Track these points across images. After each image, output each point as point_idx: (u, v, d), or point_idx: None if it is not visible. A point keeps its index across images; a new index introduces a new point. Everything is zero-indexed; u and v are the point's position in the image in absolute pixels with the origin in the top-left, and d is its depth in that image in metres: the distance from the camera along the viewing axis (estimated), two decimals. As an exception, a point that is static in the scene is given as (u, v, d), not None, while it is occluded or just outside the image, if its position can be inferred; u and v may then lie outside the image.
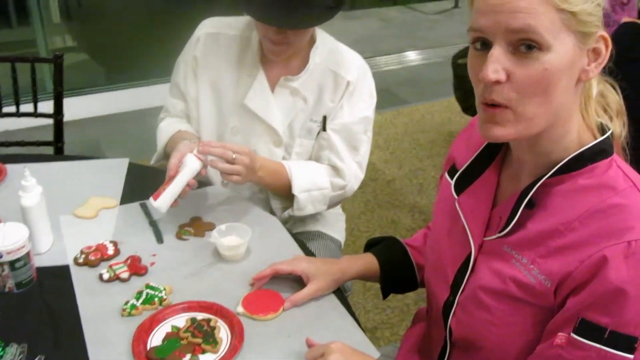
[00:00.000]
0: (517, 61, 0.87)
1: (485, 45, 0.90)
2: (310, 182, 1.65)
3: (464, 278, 1.07)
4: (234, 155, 1.44)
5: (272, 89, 1.67)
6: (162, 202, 1.41)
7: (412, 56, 5.38)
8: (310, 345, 1.14)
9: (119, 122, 3.98)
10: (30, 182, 1.36)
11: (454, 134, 4.02)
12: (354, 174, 1.71)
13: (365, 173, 1.77)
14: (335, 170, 1.69)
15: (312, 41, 1.67)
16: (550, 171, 0.95)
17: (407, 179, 3.47)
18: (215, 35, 1.70)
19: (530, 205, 0.96)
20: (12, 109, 2.16)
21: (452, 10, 6.81)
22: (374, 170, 3.49)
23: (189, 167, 1.44)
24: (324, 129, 1.68)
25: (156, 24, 4.41)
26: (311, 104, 1.67)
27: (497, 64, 0.87)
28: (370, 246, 1.43)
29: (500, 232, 1.00)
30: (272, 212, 1.70)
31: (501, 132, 0.91)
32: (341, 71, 1.66)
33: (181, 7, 4.41)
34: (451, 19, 6.54)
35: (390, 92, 4.59)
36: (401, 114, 4.25)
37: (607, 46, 0.90)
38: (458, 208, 1.11)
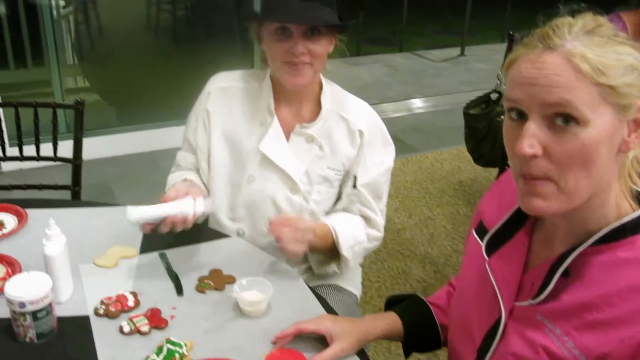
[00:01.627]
0: (553, 135, 0.86)
1: (520, 115, 0.90)
2: (352, 237, 1.67)
3: (493, 343, 1.06)
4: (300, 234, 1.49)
5: (287, 137, 1.69)
6: (136, 209, 1.41)
7: (419, 103, 5.43)
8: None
9: (130, 164, 4.00)
10: (54, 231, 1.36)
11: (464, 183, 4.05)
12: (382, 221, 1.77)
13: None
14: (369, 221, 1.74)
15: (320, 87, 1.70)
16: (586, 240, 0.93)
17: (418, 229, 3.46)
18: (226, 89, 1.73)
19: (566, 274, 0.95)
20: (31, 148, 2.18)
21: (458, 57, 6.93)
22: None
23: (187, 202, 1.45)
24: (354, 186, 1.70)
25: (168, 67, 4.47)
26: (327, 151, 1.69)
27: (533, 139, 0.87)
28: (391, 303, 1.42)
29: (533, 299, 0.98)
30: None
31: (543, 205, 0.90)
32: (351, 118, 1.69)
33: (193, 52, 4.49)
34: (457, 67, 6.64)
35: (398, 139, 4.57)
36: (410, 162, 4.27)
37: None
38: (488, 270, 1.09)
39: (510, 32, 3.19)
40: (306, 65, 1.58)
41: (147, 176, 3.82)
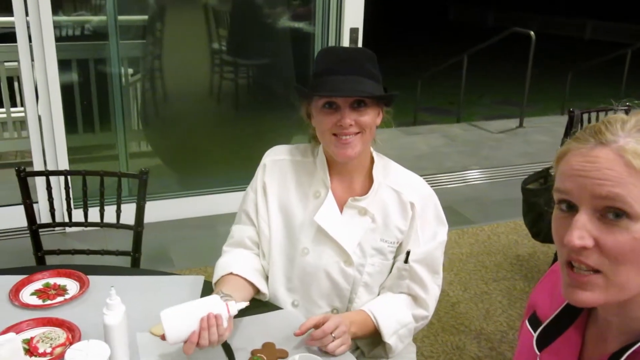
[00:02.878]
0: (605, 228, 0.86)
1: (570, 207, 0.89)
2: (395, 322, 1.67)
3: None
4: (333, 335, 1.51)
5: (340, 210, 1.71)
6: (168, 314, 1.42)
7: (476, 175, 5.39)
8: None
9: (188, 228, 4.09)
10: (115, 301, 1.40)
11: (521, 258, 3.97)
12: (436, 297, 1.77)
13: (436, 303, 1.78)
14: (416, 300, 1.73)
15: (372, 160, 1.73)
16: None
17: (473, 303, 3.39)
18: (281, 162, 1.79)
19: None
20: (95, 215, 2.26)
21: (516, 129, 6.88)
22: (438, 291, 3.44)
23: (217, 301, 1.46)
24: (405, 261, 1.69)
25: (229, 135, 4.60)
26: (379, 223, 1.71)
27: (583, 231, 0.86)
28: None
29: None
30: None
31: (589, 298, 0.89)
32: (403, 190, 1.72)
33: (253, 120, 4.62)
34: (515, 138, 6.58)
35: (453, 211, 4.58)
36: (466, 234, 4.22)
37: None
38: None
39: (571, 109, 3.18)
40: (355, 137, 1.62)
41: (203, 240, 3.89)
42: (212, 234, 3.93)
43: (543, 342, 1.07)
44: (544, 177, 3.30)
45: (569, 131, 3.18)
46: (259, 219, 1.76)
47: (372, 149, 1.76)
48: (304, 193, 1.75)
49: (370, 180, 1.73)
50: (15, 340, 1.21)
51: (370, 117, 1.63)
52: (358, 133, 1.62)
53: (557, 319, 1.06)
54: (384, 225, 1.71)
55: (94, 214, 2.26)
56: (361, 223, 1.71)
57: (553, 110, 7.89)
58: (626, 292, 0.88)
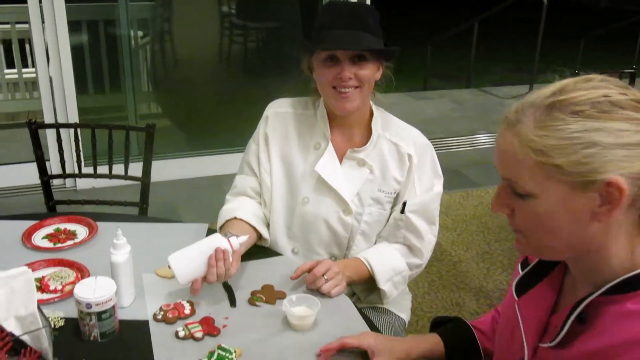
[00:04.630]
0: (516, 201, 0.95)
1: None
2: (390, 270, 1.73)
3: None
4: (325, 277, 1.57)
5: (340, 161, 1.77)
6: (176, 258, 1.49)
7: (484, 139, 5.41)
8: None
9: (196, 187, 4.16)
10: (121, 241, 1.47)
11: (523, 220, 4.01)
12: (431, 247, 1.82)
13: (432, 253, 1.83)
14: (411, 249, 1.79)
15: (371, 113, 1.78)
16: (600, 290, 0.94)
17: (474, 262, 3.46)
18: (282, 114, 1.84)
19: (583, 321, 0.95)
20: (104, 167, 2.33)
21: (526, 94, 6.86)
22: (440, 250, 3.51)
23: (219, 238, 1.53)
24: (402, 211, 1.75)
25: (237, 97, 4.64)
26: (377, 174, 1.76)
27: (498, 199, 0.98)
28: (436, 325, 1.46)
29: (550, 342, 1.00)
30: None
31: (520, 250, 1.01)
32: (401, 143, 1.77)
33: (262, 82, 4.65)
34: (525, 104, 6.58)
35: (459, 174, 4.62)
36: (470, 196, 4.27)
37: (621, 191, 0.87)
38: (517, 310, 1.11)
39: (577, 70, 3.19)
40: (355, 91, 1.67)
41: (211, 198, 3.95)
42: (219, 193, 3.96)
43: (523, 289, 1.11)
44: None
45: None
46: (260, 169, 1.82)
47: (371, 103, 1.80)
48: (304, 144, 1.80)
49: (369, 133, 1.78)
50: (28, 273, 1.29)
51: (370, 71, 1.68)
52: (357, 87, 1.67)
53: (535, 269, 1.11)
54: (381, 176, 1.76)
55: (103, 171, 2.33)
56: (360, 174, 1.76)
57: (564, 77, 7.82)
58: (545, 254, 0.99)
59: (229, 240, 1.53)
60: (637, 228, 0.93)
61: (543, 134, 0.89)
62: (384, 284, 1.72)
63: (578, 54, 7.94)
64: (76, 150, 2.28)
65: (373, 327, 1.50)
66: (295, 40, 4.73)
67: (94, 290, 1.35)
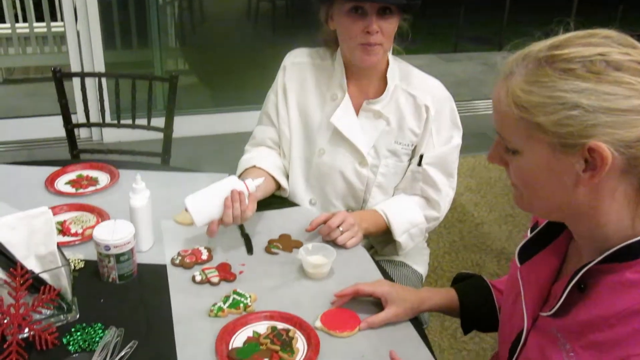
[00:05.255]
0: (508, 155, 0.94)
1: None
2: (406, 222, 1.73)
3: (516, 349, 1.06)
4: (341, 228, 1.57)
5: (356, 112, 1.75)
6: (192, 200, 1.49)
7: (513, 103, 5.33)
8: (393, 359, 1.17)
9: (220, 143, 4.18)
10: (140, 185, 1.49)
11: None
12: (449, 200, 1.80)
13: (453, 214, 1.81)
14: (429, 202, 1.77)
15: (387, 64, 1.74)
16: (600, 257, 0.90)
17: (497, 224, 3.44)
18: (299, 64, 1.82)
19: (583, 289, 0.92)
20: (128, 121, 2.35)
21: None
22: (462, 211, 3.49)
23: (235, 180, 1.54)
24: (419, 164, 1.74)
25: (264, 55, 4.62)
26: (394, 125, 1.74)
27: (493, 151, 0.97)
28: (458, 280, 1.45)
29: (550, 310, 0.97)
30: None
31: (517, 204, 0.99)
32: (418, 94, 1.74)
33: (289, 41, 4.61)
34: (557, 69, 6.44)
35: (486, 137, 4.56)
36: (496, 159, 4.22)
37: (603, 158, 0.83)
38: (519, 277, 1.08)
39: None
40: (378, 46, 1.63)
41: (234, 155, 3.95)
42: (242, 150, 3.99)
43: (525, 256, 1.08)
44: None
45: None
46: (279, 120, 1.82)
47: (389, 54, 1.77)
48: (321, 95, 1.79)
49: (385, 83, 1.74)
50: (48, 213, 1.31)
51: (394, 24, 1.64)
52: (380, 44, 1.63)
53: (540, 235, 1.08)
54: (398, 128, 1.74)
55: (127, 122, 2.35)
56: (376, 125, 1.75)
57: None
58: (536, 211, 0.99)
59: (244, 183, 1.53)
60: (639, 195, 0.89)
61: (529, 89, 0.86)
62: (400, 236, 1.72)
63: (616, 15, 7.70)
64: (100, 100, 2.29)
65: (389, 278, 1.51)
66: None
67: (112, 233, 1.36)
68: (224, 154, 4.02)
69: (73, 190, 1.76)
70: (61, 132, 2.36)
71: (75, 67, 3.93)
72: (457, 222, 3.39)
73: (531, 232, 1.11)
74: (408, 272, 1.82)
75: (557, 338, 0.95)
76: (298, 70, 1.81)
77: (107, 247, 1.35)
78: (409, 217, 1.75)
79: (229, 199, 1.50)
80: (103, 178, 1.85)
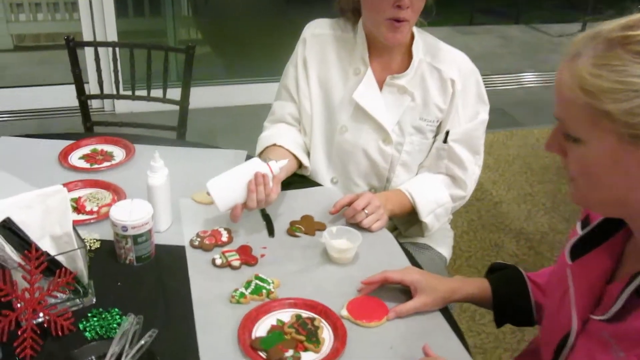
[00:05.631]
0: (568, 144, 0.87)
1: None
2: (432, 202, 1.66)
3: (562, 352, 0.99)
4: (366, 211, 1.51)
5: (380, 88, 1.68)
6: (214, 184, 1.43)
7: (531, 77, 5.22)
8: (426, 353, 1.12)
9: (235, 114, 4.11)
10: (159, 163, 1.42)
11: (569, 162, 3.87)
12: (475, 178, 1.74)
13: (472, 193, 1.75)
14: (454, 180, 1.71)
15: (412, 37, 1.67)
16: None
17: (515, 204, 3.37)
18: (320, 36, 1.73)
19: None
20: (143, 92, 2.28)
21: (577, 33, 6.55)
22: (480, 190, 3.42)
23: (257, 162, 1.47)
24: (445, 141, 1.67)
25: (278, 26, 4.53)
26: (419, 101, 1.67)
27: (551, 139, 0.90)
28: (492, 271, 1.38)
29: (603, 314, 0.91)
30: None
31: (574, 200, 0.92)
32: (443, 67, 1.66)
33: (304, 12, 4.51)
34: (576, 43, 6.30)
35: (504, 113, 4.48)
36: (515, 136, 4.14)
37: None
38: (569, 274, 1.01)
39: None
40: (406, 23, 1.56)
41: (249, 127, 3.88)
42: (257, 122, 3.91)
43: (577, 253, 1.01)
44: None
45: None
46: (299, 95, 1.74)
47: (415, 28, 1.69)
48: (343, 69, 1.71)
49: (409, 57, 1.67)
50: (63, 191, 1.25)
51: (424, 0, 1.57)
52: (407, 21, 1.55)
53: (594, 232, 1.01)
54: (423, 104, 1.67)
55: (142, 94, 2.27)
56: (400, 101, 1.67)
57: (617, 16, 7.44)
58: (593, 207, 0.92)
59: (268, 165, 1.47)
60: None
61: (598, 72, 0.78)
62: (426, 217, 1.66)
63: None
64: (114, 70, 2.22)
65: (414, 262, 1.45)
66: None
67: (130, 213, 1.31)
68: (238, 126, 3.96)
69: (88, 166, 1.71)
70: (73, 102, 2.29)
71: (87, 36, 3.85)
72: (475, 200, 3.33)
73: (582, 227, 1.04)
74: (432, 255, 1.76)
75: (609, 344, 0.89)
76: (319, 42, 1.73)
77: (125, 228, 1.30)
78: (434, 197, 1.68)
79: (252, 182, 1.43)
80: (118, 153, 1.78)
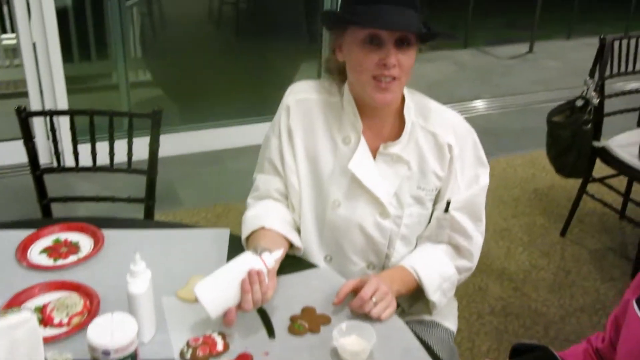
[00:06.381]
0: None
1: None
2: (438, 276, 1.54)
3: None
4: (374, 299, 1.36)
5: (372, 157, 1.55)
6: (203, 288, 1.27)
7: (489, 104, 5.20)
8: None
9: (194, 163, 3.90)
10: (140, 266, 1.24)
11: (540, 192, 3.83)
12: (479, 246, 1.64)
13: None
14: (458, 250, 1.60)
15: (403, 100, 1.56)
16: None
17: (493, 241, 3.28)
18: (305, 101, 1.59)
19: None
20: (106, 161, 2.06)
21: (526, 55, 6.61)
22: (457, 229, 3.31)
23: (249, 257, 1.31)
24: (446, 210, 1.55)
25: (231, 63, 4.37)
26: (416, 169, 1.55)
27: None
28: (517, 351, 1.25)
29: None
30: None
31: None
32: (439, 131, 1.55)
33: (257, 47, 4.35)
34: (526, 64, 6.34)
35: (468, 142, 4.41)
36: (482, 167, 4.07)
37: None
38: None
39: (602, 35, 2.95)
40: (394, 82, 1.44)
41: (211, 176, 3.72)
42: (220, 170, 3.76)
43: None
44: (570, 109, 3.11)
45: (599, 60, 2.97)
46: (285, 168, 1.59)
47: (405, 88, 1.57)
48: (331, 138, 1.57)
49: (401, 122, 1.55)
50: (31, 320, 1.06)
51: (412, 58, 1.45)
52: (396, 79, 1.43)
53: None
54: (420, 172, 1.55)
55: (101, 154, 2.06)
56: (396, 171, 1.55)
57: (558, 34, 7.54)
58: None
59: (262, 259, 1.31)
60: None
61: None
62: (433, 294, 1.53)
63: (573, 8, 7.62)
64: (72, 141, 2.00)
65: (426, 346, 1.31)
66: (294, 1, 4.45)
67: (111, 333, 1.12)
68: (200, 176, 3.76)
69: (51, 262, 1.50)
70: (22, 158, 2.04)
71: (31, 83, 3.59)
72: (453, 241, 3.22)
73: (638, 303, 0.97)
74: (440, 333, 1.63)
75: None
76: (304, 109, 1.58)
77: (107, 352, 1.11)
78: (440, 271, 1.55)
79: (246, 281, 1.27)
80: (85, 243, 1.58)
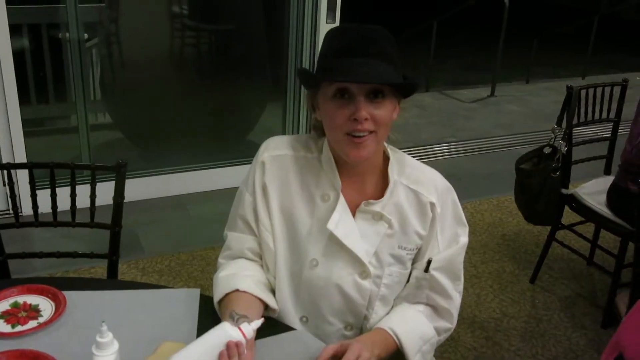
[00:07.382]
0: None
1: None
2: (419, 339, 1.50)
3: None
4: None
5: (352, 215, 1.50)
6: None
7: (453, 148, 5.24)
8: None
9: (156, 208, 3.80)
10: (107, 338, 1.16)
11: (507, 238, 3.82)
12: (458, 306, 1.60)
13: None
14: (437, 311, 1.56)
15: (386, 157, 1.52)
16: None
17: (463, 289, 3.23)
18: (280, 158, 1.54)
19: None
20: (67, 216, 1.96)
21: (488, 98, 6.72)
22: (426, 276, 3.27)
23: (227, 328, 1.24)
24: (426, 270, 1.51)
25: (193, 104, 4.29)
26: (397, 228, 1.51)
27: None
28: None
29: None
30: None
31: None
32: (421, 190, 1.52)
33: (219, 88, 4.29)
34: (488, 108, 6.44)
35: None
36: (448, 212, 4.06)
37: None
38: None
39: (569, 84, 3.00)
40: (370, 136, 1.39)
41: (174, 222, 3.62)
42: (182, 216, 3.66)
43: None
44: (538, 157, 3.13)
45: (566, 107, 3.01)
46: (260, 227, 1.53)
47: (385, 144, 1.53)
48: (309, 196, 1.52)
49: (384, 180, 1.52)
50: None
51: (388, 111, 1.40)
52: (372, 132, 1.39)
53: None
54: (401, 231, 1.51)
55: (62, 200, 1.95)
56: (377, 229, 1.50)
57: (517, 78, 7.72)
58: None
59: (240, 329, 1.23)
60: None
61: None
62: (413, 357, 1.48)
63: (531, 53, 7.82)
64: (32, 195, 1.90)
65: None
66: (259, 44, 4.42)
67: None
68: (162, 222, 3.66)
69: (9, 329, 1.39)
70: None
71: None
72: (423, 289, 3.17)
73: None
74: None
75: None
76: (279, 165, 1.53)
77: None
78: (420, 333, 1.51)
79: (224, 354, 1.19)
80: (45, 306, 1.47)
